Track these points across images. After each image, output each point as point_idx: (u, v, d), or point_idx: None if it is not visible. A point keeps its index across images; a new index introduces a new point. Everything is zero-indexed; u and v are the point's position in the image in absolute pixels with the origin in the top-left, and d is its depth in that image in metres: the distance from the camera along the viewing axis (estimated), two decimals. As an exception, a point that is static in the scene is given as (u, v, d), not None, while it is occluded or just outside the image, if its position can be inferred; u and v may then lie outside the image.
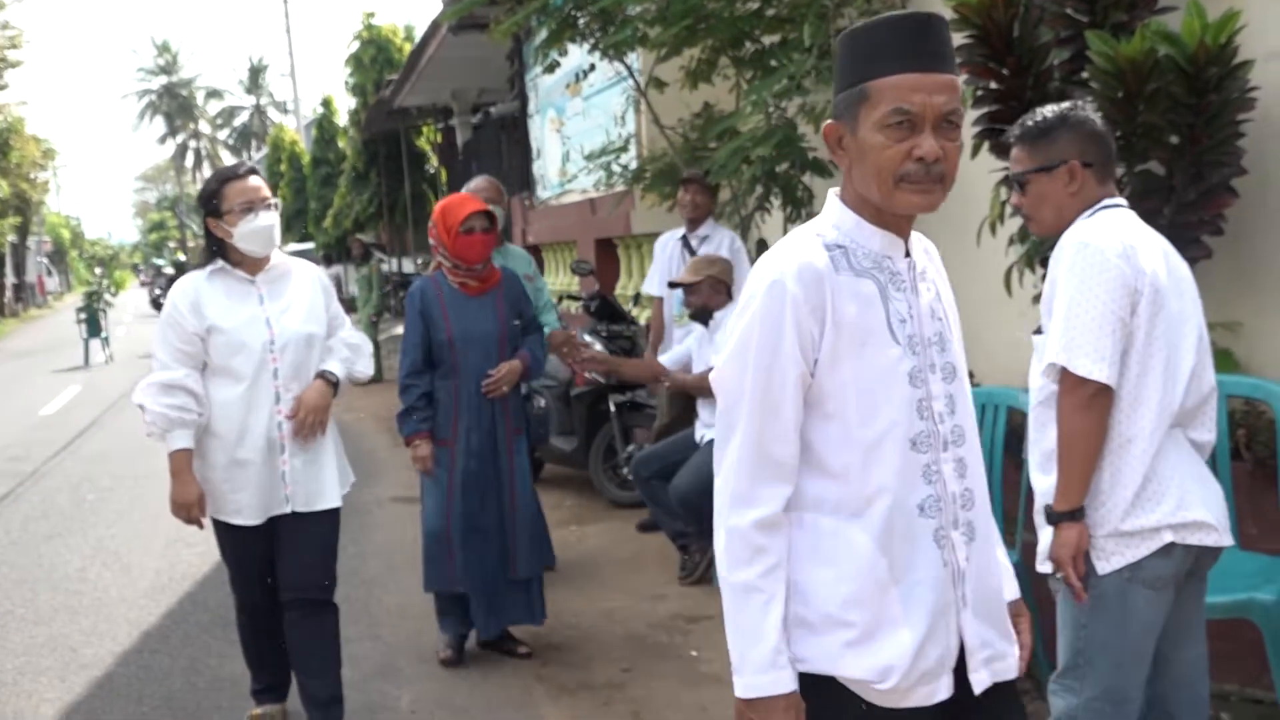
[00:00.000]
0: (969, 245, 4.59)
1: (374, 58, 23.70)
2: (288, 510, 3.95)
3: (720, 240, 6.52)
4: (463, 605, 4.80)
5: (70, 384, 17.94)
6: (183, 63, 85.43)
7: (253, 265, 3.92)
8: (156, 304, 33.42)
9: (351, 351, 4.11)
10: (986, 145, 4.28)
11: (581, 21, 6.49)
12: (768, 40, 5.99)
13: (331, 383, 3.99)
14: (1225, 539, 2.71)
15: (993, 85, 4.18)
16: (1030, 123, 2.85)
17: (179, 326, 3.83)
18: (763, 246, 6.61)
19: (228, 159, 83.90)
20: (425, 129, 22.77)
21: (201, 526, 3.93)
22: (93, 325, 22.36)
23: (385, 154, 23.67)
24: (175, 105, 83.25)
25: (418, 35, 15.48)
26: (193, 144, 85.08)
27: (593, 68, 7.75)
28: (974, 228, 4.60)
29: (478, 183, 5.72)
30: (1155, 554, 2.65)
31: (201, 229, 3.97)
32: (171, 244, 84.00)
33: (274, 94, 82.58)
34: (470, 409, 4.66)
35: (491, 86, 14.22)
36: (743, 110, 5.91)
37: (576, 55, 7.61)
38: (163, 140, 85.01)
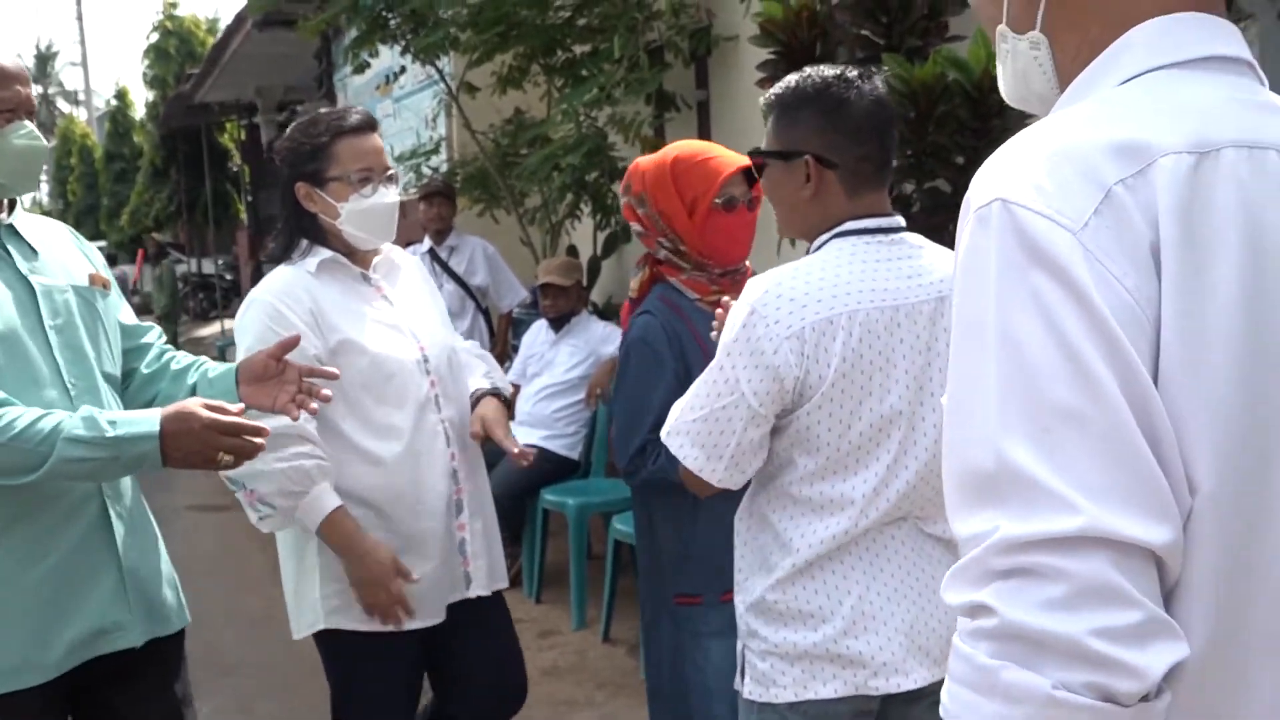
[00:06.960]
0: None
1: (177, 49, 22.92)
2: (468, 595, 2.76)
3: (472, 248, 6.52)
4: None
5: None
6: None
7: (362, 256, 2.78)
8: None
9: (486, 363, 3.02)
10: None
11: (393, 23, 6.42)
12: (579, 50, 6.04)
13: (507, 403, 2.90)
14: (892, 682, 1.95)
15: (794, 102, 4.32)
16: (785, 87, 2.09)
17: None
18: (573, 252, 6.66)
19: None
20: (229, 126, 22.07)
21: (405, 618, 2.60)
22: None
23: (185, 151, 22.82)
24: (-46, 91, 78.29)
25: (222, 29, 15.02)
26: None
27: (403, 70, 7.67)
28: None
29: None
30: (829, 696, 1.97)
31: (286, 198, 2.72)
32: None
33: (64, 83, 78.17)
34: None
35: (298, 85, 13.87)
36: (553, 118, 5.96)
37: (388, 57, 7.52)
38: (-62, 128, 79.83)
